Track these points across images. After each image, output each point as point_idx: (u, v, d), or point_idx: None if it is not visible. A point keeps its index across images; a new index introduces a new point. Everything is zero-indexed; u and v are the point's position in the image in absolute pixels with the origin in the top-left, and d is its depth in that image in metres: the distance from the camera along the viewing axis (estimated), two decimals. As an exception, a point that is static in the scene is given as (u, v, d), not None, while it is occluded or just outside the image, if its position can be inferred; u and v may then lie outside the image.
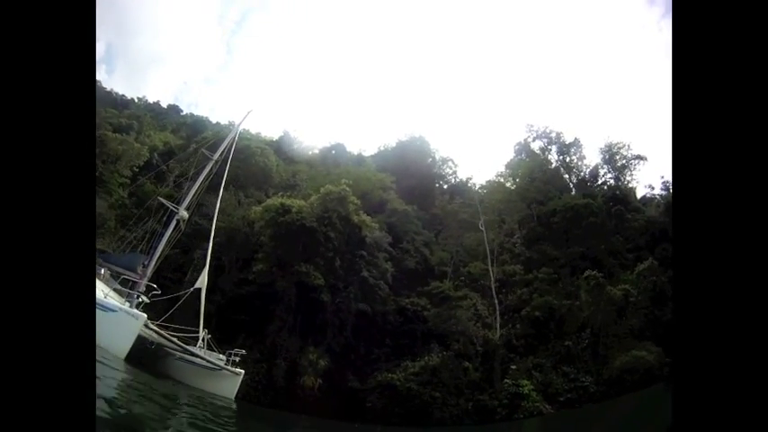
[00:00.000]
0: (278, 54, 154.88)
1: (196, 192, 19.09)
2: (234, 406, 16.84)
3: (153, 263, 18.73)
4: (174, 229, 19.49)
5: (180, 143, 43.64)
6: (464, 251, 35.38)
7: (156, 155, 39.48)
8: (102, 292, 15.53)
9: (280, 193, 31.46)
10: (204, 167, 19.66)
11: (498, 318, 29.11)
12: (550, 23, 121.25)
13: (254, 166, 35.60)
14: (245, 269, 31.17)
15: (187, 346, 16.54)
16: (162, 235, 19.00)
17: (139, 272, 18.16)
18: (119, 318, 13.38)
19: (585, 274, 30.84)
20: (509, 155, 50.66)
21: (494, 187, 40.43)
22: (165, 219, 19.30)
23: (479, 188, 46.00)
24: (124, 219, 35.14)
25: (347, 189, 28.73)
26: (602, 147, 40.82)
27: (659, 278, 28.85)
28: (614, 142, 40.47)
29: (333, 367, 26.51)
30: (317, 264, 26.60)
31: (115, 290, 17.08)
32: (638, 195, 39.90)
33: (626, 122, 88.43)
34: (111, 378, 9.90)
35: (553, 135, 41.34)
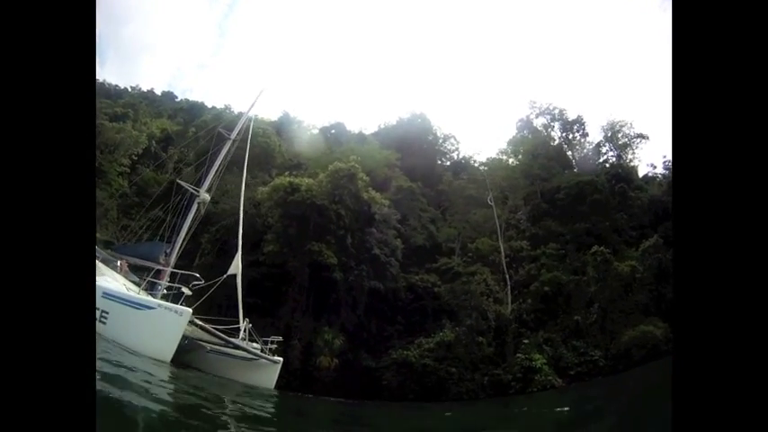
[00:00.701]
0: (272, 35, 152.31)
1: (216, 173, 18.15)
2: (276, 396, 15.72)
3: (176, 250, 17.17)
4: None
5: (177, 129, 42.83)
6: (470, 227, 35.38)
7: (153, 142, 38.73)
8: (125, 287, 14.50)
9: (286, 173, 31.00)
10: (221, 148, 18.67)
11: (510, 293, 29.23)
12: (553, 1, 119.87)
13: (257, 147, 34.93)
14: (252, 251, 30.84)
15: (232, 339, 14.90)
16: (183, 220, 17.43)
17: (162, 261, 16.69)
18: (159, 316, 11.87)
19: (593, 250, 31.16)
20: (510, 132, 50.65)
21: (496, 164, 40.35)
22: (183, 203, 18.22)
23: (480, 165, 46.03)
24: (126, 208, 34.66)
25: (356, 166, 28.37)
26: (604, 125, 40.96)
27: (664, 256, 29.14)
28: (616, 120, 40.57)
29: (347, 346, 26.51)
30: (328, 242, 26.34)
31: (134, 282, 15.81)
32: (640, 174, 40.16)
33: (628, 101, 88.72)
34: (157, 386, 8.73)
35: (556, 112, 41.39)
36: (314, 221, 26.67)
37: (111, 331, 11.49)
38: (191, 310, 12.27)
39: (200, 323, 13.25)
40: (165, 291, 15.87)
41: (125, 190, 35.44)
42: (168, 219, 18.42)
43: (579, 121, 41.42)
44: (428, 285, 30.44)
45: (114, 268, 15.69)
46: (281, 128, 42.97)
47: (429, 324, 29.66)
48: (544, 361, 26.06)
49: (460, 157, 47.07)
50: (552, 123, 41.81)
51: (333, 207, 26.77)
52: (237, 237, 17.22)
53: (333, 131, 47.40)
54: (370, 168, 33.51)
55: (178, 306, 12.29)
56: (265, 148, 36.50)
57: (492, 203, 32.63)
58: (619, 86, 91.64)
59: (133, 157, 36.93)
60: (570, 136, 41.73)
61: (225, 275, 15.38)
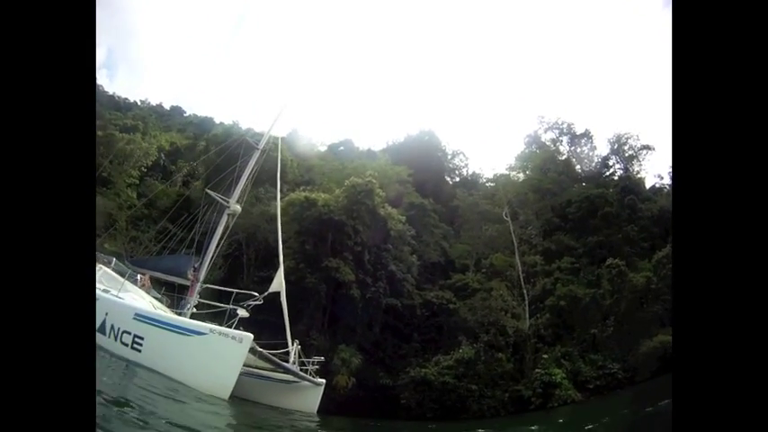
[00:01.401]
0: (280, 51, 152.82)
1: (245, 184, 17.48)
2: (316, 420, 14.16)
3: (206, 264, 15.43)
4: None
5: (186, 143, 42.83)
6: (482, 243, 35.28)
7: (162, 155, 38.64)
8: (152, 305, 13.09)
9: (301, 188, 30.85)
10: (248, 159, 17.99)
11: (527, 308, 29.04)
12: (557, 14, 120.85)
13: (269, 162, 34.88)
14: (264, 267, 30.50)
15: (284, 364, 13.14)
16: (213, 232, 16.11)
17: (190, 276, 15.01)
18: (213, 343, 9.92)
19: (607, 263, 31.21)
20: (518, 147, 50.72)
21: (503, 180, 40.43)
22: (208, 215, 17.41)
23: (486, 181, 46.12)
24: (134, 220, 34.42)
25: (373, 181, 28.30)
26: (611, 137, 41.25)
27: (678, 266, 29.10)
28: (622, 133, 40.87)
29: (363, 365, 26.10)
30: (345, 259, 26.14)
31: (156, 299, 14.53)
32: (648, 185, 40.36)
33: (633, 113, 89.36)
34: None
35: (564, 126, 41.72)
36: (331, 237, 26.45)
37: (148, 359, 10.18)
38: (251, 335, 10.18)
39: (261, 350, 11.31)
40: (194, 309, 14.51)
41: (134, 201, 35.30)
42: (195, 230, 17.60)
43: (587, 135, 41.78)
44: (443, 302, 30.20)
45: (134, 283, 14.50)
46: (289, 144, 42.92)
47: (444, 341, 29.41)
48: (564, 375, 25.88)
49: (469, 173, 47.51)
50: (561, 138, 42.13)
51: (350, 223, 26.62)
52: (278, 251, 16.74)
53: (341, 148, 47.52)
54: (382, 184, 33.45)
55: (236, 331, 10.40)
56: (276, 164, 36.24)
57: (508, 218, 32.59)
58: (623, 99, 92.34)
59: (142, 168, 36.79)
60: (578, 150, 42.01)
61: (266, 293, 14.61)
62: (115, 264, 15.26)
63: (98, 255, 15.06)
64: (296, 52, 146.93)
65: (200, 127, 49.22)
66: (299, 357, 14.42)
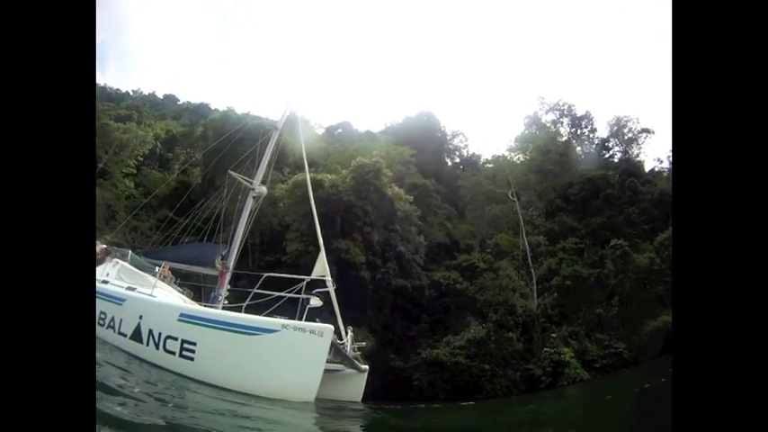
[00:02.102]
0: (274, 36, 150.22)
1: (268, 164, 15.59)
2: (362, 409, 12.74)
3: (234, 252, 13.86)
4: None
5: (182, 130, 41.91)
6: (486, 224, 35.29)
7: (158, 143, 37.84)
8: (182, 300, 11.80)
9: (312, 169, 30.26)
10: (267, 140, 16.77)
11: (535, 287, 29.17)
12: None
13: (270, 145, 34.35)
14: (270, 251, 30.08)
15: (346, 353, 11.73)
16: (239, 217, 14.46)
17: (218, 265, 13.55)
18: (288, 340, 8.40)
19: (612, 243, 31.55)
20: (517, 128, 50.52)
21: (506, 160, 40.43)
22: (221, 199, 16.46)
23: (484, 162, 46.06)
24: (133, 209, 33.70)
25: (381, 161, 27.90)
26: (610, 120, 41.43)
27: (680, 247, 29.49)
28: (621, 116, 41.04)
29: (374, 347, 25.95)
30: (355, 240, 25.80)
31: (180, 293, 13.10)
32: (647, 168, 40.69)
33: (632, 96, 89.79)
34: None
35: (565, 108, 41.73)
36: (340, 218, 26.09)
37: (204, 369, 8.69)
38: (331, 327, 8.84)
39: (338, 342, 10.21)
40: (225, 301, 12.95)
41: (131, 191, 34.61)
42: (215, 215, 16.65)
43: (587, 117, 41.87)
44: (450, 282, 30.13)
45: (156, 274, 12.88)
46: (287, 127, 42.16)
47: (452, 321, 29.39)
48: (572, 354, 26.15)
49: (469, 153, 47.31)
50: (561, 119, 42.14)
51: (359, 203, 26.23)
52: (317, 235, 14.25)
53: (339, 130, 46.88)
54: (385, 164, 33.13)
55: (314, 324, 8.80)
56: (277, 146, 35.76)
57: (514, 198, 32.56)
58: (623, 82, 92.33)
59: (139, 158, 35.95)
60: (579, 132, 42.10)
61: (309, 278, 11.67)
62: (131, 257, 13.64)
63: (111, 248, 14.21)
64: (291, 35, 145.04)
65: (197, 113, 48.16)
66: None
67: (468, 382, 25.35)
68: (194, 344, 8.85)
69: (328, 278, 11.82)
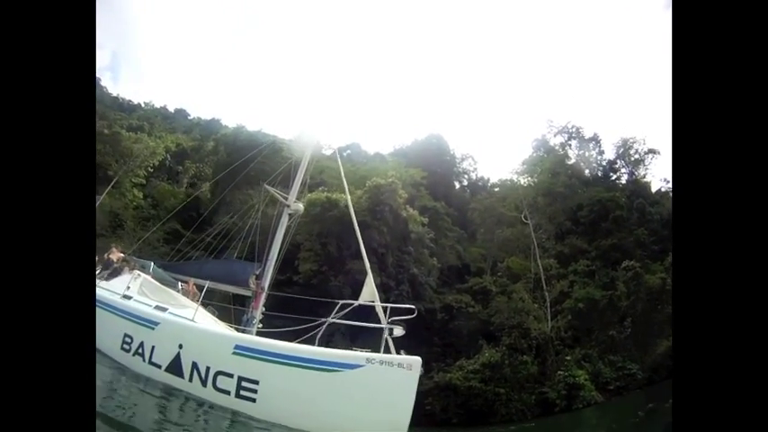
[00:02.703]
0: (285, 55, 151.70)
1: (303, 181, 15.41)
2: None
3: (269, 271, 12.49)
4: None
5: (192, 144, 42.05)
6: (496, 247, 35.23)
7: (168, 156, 37.86)
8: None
9: (320, 188, 30.27)
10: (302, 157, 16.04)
11: (549, 310, 29.00)
12: (562, 18, 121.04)
13: (282, 164, 34.37)
14: (281, 270, 29.74)
15: None
16: (274, 234, 13.29)
17: (252, 285, 12.35)
18: (375, 376, 7.27)
19: (623, 265, 31.52)
20: (524, 151, 50.50)
21: (514, 183, 40.55)
22: (258, 212, 15.87)
23: (492, 186, 46.22)
24: (141, 220, 33.58)
25: (396, 182, 27.93)
26: (616, 141, 41.76)
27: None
28: (628, 137, 41.39)
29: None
30: (369, 261, 25.50)
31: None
32: (654, 189, 40.91)
33: (638, 117, 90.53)
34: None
35: (573, 130, 42.06)
36: (355, 238, 25.87)
37: (272, 411, 7.56)
38: (419, 359, 7.51)
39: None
40: (260, 325, 11.60)
41: (140, 202, 34.51)
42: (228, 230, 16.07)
43: (595, 139, 42.21)
44: (462, 305, 29.94)
45: (183, 291, 12.25)
46: (298, 146, 42.23)
47: (464, 345, 29.12)
48: (586, 377, 25.90)
49: (478, 176, 47.39)
50: (569, 142, 42.46)
51: (374, 224, 26.13)
52: (362, 258, 12.45)
53: (348, 152, 47.00)
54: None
55: (402, 357, 7.57)
56: (288, 166, 35.82)
57: (528, 221, 32.57)
58: (628, 103, 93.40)
59: (149, 168, 35.91)
60: (587, 153, 42.38)
61: (356, 303, 10.29)
62: (153, 270, 12.61)
63: (130, 258, 13.35)
64: (301, 55, 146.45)
65: (207, 128, 48.45)
66: None
67: (482, 406, 25.05)
68: (256, 382, 7.61)
69: (378, 303, 10.15)
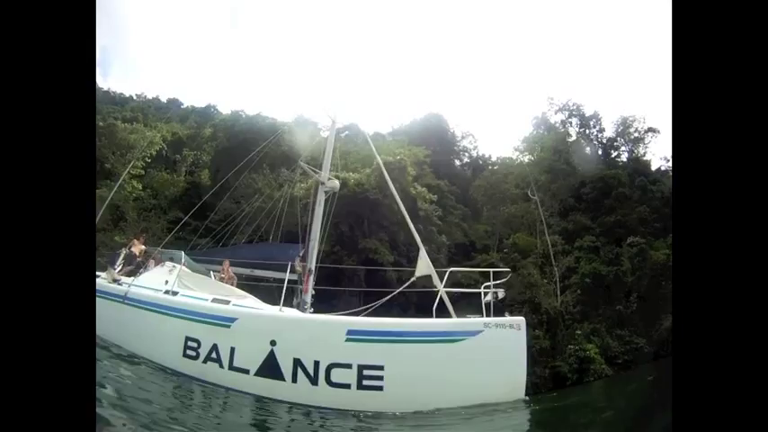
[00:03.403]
0: (276, 38, 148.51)
1: (332, 158, 14.09)
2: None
3: (315, 250, 11.86)
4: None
5: (188, 132, 41.28)
6: (501, 223, 35.33)
7: (165, 146, 37.16)
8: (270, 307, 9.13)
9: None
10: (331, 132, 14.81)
11: (558, 285, 29.24)
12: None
13: (283, 146, 33.88)
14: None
15: None
16: (312, 214, 12.79)
17: (299, 267, 11.35)
18: (490, 341, 7.34)
19: (628, 241, 31.91)
20: (523, 129, 50.27)
21: (511, 162, 40.66)
22: (289, 189, 15.28)
23: (491, 165, 46.21)
24: (141, 211, 32.95)
25: (405, 159, 27.66)
26: (616, 120, 41.95)
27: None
28: (627, 115, 41.57)
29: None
30: (381, 239, 25.44)
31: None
32: (653, 167, 41.23)
33: (637, 95, 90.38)
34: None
35: (574, 108, 42.14)
36: (367, 217, 25.70)
37: (401, 396, 7.12)
38: (523, 318, 8.07)
39: None
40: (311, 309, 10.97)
41: (139, 193, 33.85)
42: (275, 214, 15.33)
43: (596, 117, 42.31)
44: (472, 282, 29.88)
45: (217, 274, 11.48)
46: (296, 129, 41.93)
47: (474, 321, 29.11)
48: (596, 350, 26.25)
49: (479, 155, 47.29)
50: (570, 119, 42.51)
51: (385, 202, 25.83)
52: (414, 236, 12.23)
53: (346, 132, 46.44)
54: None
55: (510, 318, 7.86)
56: (291, 147, 35.42)
57: (535, 197, 32.60)
58: (627, 81, 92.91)
59: (146, 159, 35.20)
60: (587, 131, 42.50)
61: (414, 278, 10.41)
62: (185, 259, 11.35)
63: (153, 250, 12.28)
64: (295, 36, 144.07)
65: (203, 115, 47.68)
66: None
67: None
68: (380, 368, 7.09)
69: (435, 276, 10.04)
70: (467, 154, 47.66)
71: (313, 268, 11.58)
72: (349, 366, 7.09)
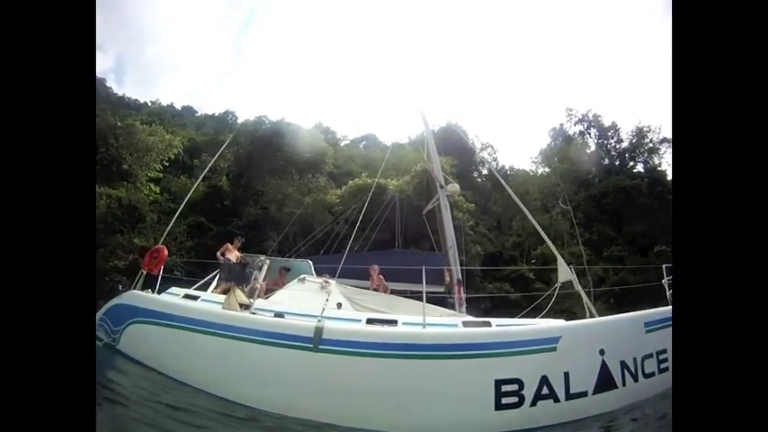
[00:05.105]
0: (291, 48, 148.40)
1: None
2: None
3: (456, 258, 11.11)
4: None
5: (205, 139, 40.54)
6: (527, 234, 35.15)
7: (182, 152, 36.39)
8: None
9: (363, 174, 29.31)
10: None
11: (592, 295, 28.98)
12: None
13: (309, 153, 33.35)
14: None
15: None
16: (442, 220, 12.06)
17: (448, 278, 10.59)
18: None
19: (655, 250, 31.97)
20: (539, 141, 50.14)
21: (533, 174, 40.73)
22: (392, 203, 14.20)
23: (510, 175, 46.18)
24: (160, 214, 31.95)
25: (444, 167, 27.16)
26: (631, 130, 42.38)
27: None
28: (642, 126, 42.06)
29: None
30: (423, 248, 24.79)
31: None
32: (670, 177, 41.62)
33: (653, 106, 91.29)
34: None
35: (592, 119, 42.44)
36: (404, 224, 25.03)
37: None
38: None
39: None
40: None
41: (156, 196, 32.92)
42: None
43: (614, 128, 42.68)
44: (503, 294, 29.55)
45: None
46: (315, 137, 41.45)
47: (507, 332, 28.72)
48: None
49: (500, 166, 47.15)
50: (588, 130, 42.78)
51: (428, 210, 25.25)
52: (549, 245, 11.98)
53: (363, 143, 46.17)
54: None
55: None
56: (317, 153, 34.92)
57: (568, 206, 32.51)
58: (643, 92, 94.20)
59: (164, 162, 34.30)
60: (606, 142, 42.82)
61: (558, 283, 10.09)
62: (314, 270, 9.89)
63: (251, 257, 10.12)
64: (315, 48, 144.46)
65: (221, 122, 46.93)
66: None
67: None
68: (665, 351, 7.13)
69: (575, 281, 9.89)
70: (486, 165, 47.59)
71: (460, 278, 10.64)
72: (651, 356, 7.14)
